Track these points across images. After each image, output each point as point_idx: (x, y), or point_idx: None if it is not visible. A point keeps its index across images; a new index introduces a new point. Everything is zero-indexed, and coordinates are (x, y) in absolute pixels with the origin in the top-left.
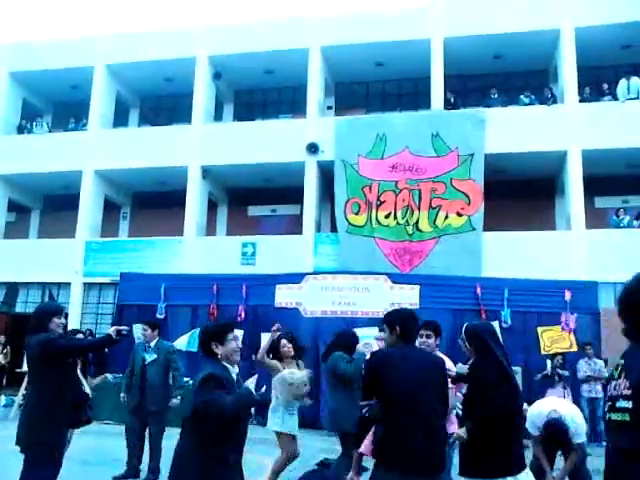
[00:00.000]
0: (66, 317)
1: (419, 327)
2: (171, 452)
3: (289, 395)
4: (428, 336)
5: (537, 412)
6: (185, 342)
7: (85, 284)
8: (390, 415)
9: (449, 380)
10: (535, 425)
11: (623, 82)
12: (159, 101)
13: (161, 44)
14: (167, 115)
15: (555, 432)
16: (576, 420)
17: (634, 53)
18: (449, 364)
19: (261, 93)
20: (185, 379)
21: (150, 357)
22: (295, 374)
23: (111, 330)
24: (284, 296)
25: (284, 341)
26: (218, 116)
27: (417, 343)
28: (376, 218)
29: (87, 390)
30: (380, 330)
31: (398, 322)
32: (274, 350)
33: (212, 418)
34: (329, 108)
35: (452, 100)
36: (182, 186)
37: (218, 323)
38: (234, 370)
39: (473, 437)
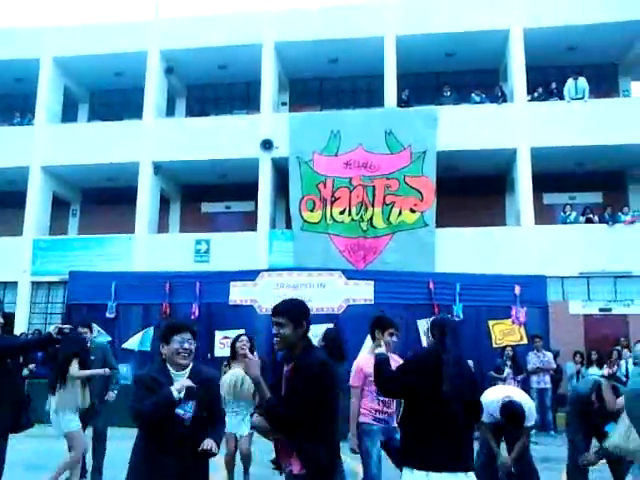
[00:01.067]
0: (8, 317)
1: (389, 325)
2: (119, 453)
3: (229, 395)
4: (397, 336)
5: (490, 400)
6: (137, 342)
7: (33, 283)
8: (326, 431)
9: None
10: (488, 412)
11: (570, 82)
12: (109, 96)
13: (111, 37)
14: (118, 110)
15: (512, 414)
16: (527, 404)
17: (579, 55)
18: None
19: (214, 88)
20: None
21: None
22: (232, 375)
23: (52, 329)
24: (238, 293)
25: (244, 338)
26: (170, 111)
27: (384, 343)
28: (331, 214)
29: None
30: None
31: (304, 315)
32: (232, 349)
33: (136, 421)
34: (283, 104)
35: (406, 97)
36: (133, 182)
37: (171, 322)
38: (177, 373)
39: (405, 424)
